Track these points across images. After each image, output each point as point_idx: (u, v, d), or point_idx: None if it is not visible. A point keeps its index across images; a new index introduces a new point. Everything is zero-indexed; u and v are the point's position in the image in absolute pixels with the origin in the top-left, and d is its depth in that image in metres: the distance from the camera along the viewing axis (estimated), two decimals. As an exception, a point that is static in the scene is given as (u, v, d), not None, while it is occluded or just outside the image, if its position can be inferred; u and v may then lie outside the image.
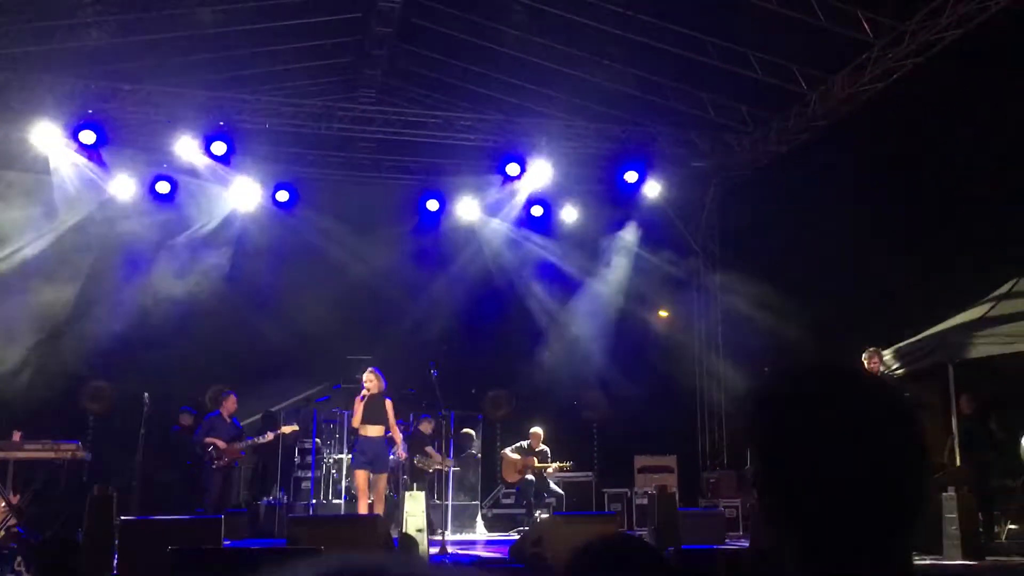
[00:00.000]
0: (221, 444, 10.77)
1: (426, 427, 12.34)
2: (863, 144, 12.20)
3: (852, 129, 12.12)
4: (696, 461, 14.30)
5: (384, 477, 10.08)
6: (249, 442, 11.21)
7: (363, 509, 9.72)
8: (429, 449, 11.98)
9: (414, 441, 12.04)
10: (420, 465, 11.89)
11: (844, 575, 1.07)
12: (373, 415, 9.86)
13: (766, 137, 13.18)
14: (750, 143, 13.49)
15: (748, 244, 13.03)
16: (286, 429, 11.52)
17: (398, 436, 10.21)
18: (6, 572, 6.20)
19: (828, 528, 1.08)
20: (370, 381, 9.90)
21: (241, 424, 11.40)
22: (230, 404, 11.07)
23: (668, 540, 7.93)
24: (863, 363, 9.79)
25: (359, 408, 9.86)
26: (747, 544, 9.30)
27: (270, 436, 11.30)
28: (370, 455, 9.85)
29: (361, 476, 9.86)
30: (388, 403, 9.96)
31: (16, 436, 10.27)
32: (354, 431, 10.13)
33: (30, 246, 12.38)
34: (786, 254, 12.09)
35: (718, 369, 14.57)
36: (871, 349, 9.71)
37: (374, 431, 9.86)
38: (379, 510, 9.71)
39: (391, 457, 12.01)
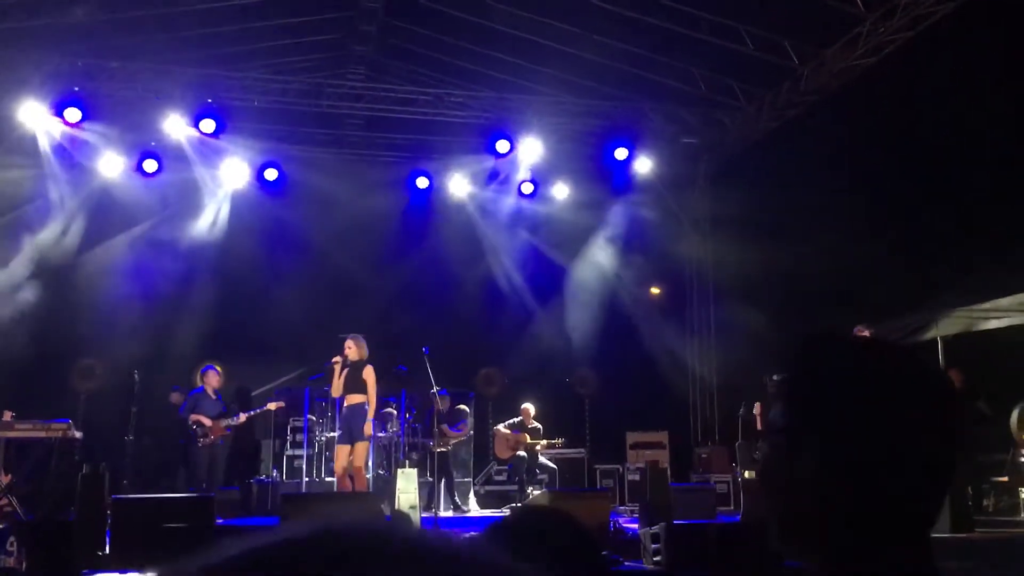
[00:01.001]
0: (206, 421, 10.73)
1: (443, 404, 12.31)
2: (855, 119, 12.17)
3: (844, 104, 12.09)
4: (688, 437, 14.37)
5: (364, 445, 9.52)
6: (240, 418, 11.11)
7: (346, 486, 9.40)
8: (443, 427, 11.98)
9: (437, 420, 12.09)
10: (436, 446, 11.90)
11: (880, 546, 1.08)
12: (352, 383, 9.52)
13: (758, 112, 13.14)
14: (741, 118, 13.44)
15: (740, 220, 13.01)
16: (271, 405, 11.46)
17: (373, 404, 9.63)
18: (-1, 552, 6.20)
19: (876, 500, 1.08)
20: (349, 348, 9.58)
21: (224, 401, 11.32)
22: (211, 379, 10.96)
23: (660, 515, 7.97)
24: (854, 339, 9.82)
25: (338, 376, 9.55)
26: (738, 518, 9.36)
27: (243, 418, 11.14)
28: (348, 425, 9.53)
29: (339, 452, 9.56)
30: (369, 370, 9.55)
31: (7, 416, 10.25)
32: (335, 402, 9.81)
33: (19, 225, 12.30)
34: (778, 229, 12.09)
35: (710, 345, 14.62)
36: (861, 325, 9.73)
37: (352, 399, 9.51)
38: (360, 481, 9.40)
39: (383, 434, 12.05)
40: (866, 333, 9.72)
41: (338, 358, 9.61)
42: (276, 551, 0.52)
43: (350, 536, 0.52)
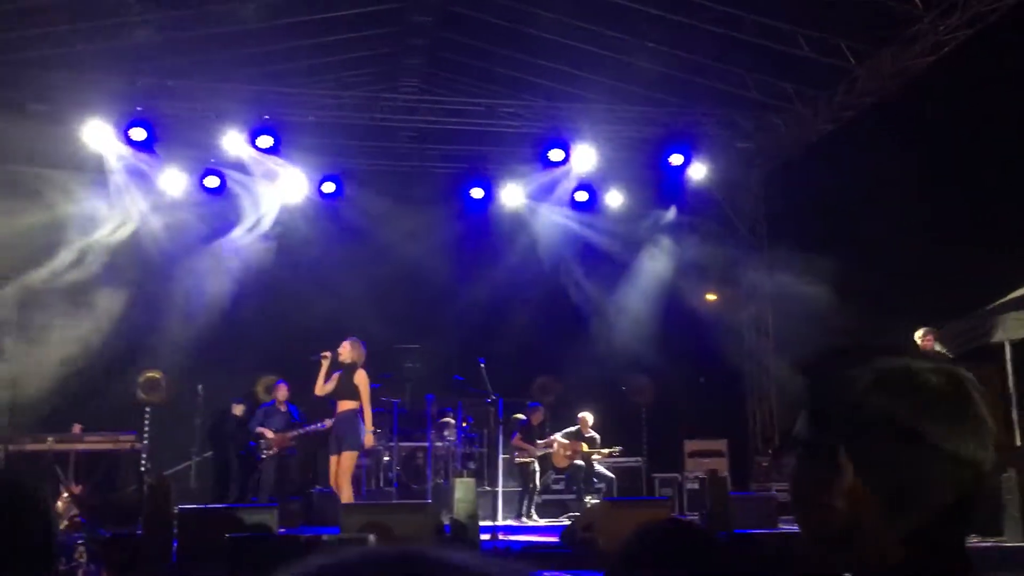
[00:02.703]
0: (269, 434, 10.94)
1: (537, 417, 12.36)
2: (913, 119, 11.92)
3: (902, 105, 11.85)
4: (747, 445, 14.18)
5: (350, 456, 9.14)
6: (306, 430, 11.24)
7: (346, 498, 8.99)
8: (519, 441, 12.04)
9: (525, 432, 12.15)
10: (521, 460, 11.99)
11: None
12: (344, 389, 9.22)
13: (813, 115, 12.95)
14: (796, 122, 13.27)
15: (796, 224, 12.83)
16: (328, 422, 11.58)
17: (368, 411, 9.25)
18: (67, 563, 6.37)
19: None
20: (343, 349, 9.26)
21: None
22: (280, 393, 11.22)
23: (720, 525, 7.88)
24: (916, 343, 9.62)
25: (322, 375, 9.27)
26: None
27: (328, 423, 11.29)
28: (336, 433, 9.23)
29: (332, 462, 9.20)
30: (361, 374, 9.22)
31: (76, 428, 10.55)
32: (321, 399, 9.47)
33: (85, 243, 12.64)
34: (835, 233, 11.89)
35: (768, 351, 14.42)
36: (924, 329, 9.53)
37: (343, 406, 9.23)
38: (346, 493, 9.06)
39: (440, 443, 12.11)
40: (930, 338, 9.53)
41: (327, 353, 9.32)
42: (364, 567, 0.53)
43: (438, 563, 0.53)
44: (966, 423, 1.08)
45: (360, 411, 9.24)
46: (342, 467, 9.08)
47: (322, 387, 9.34)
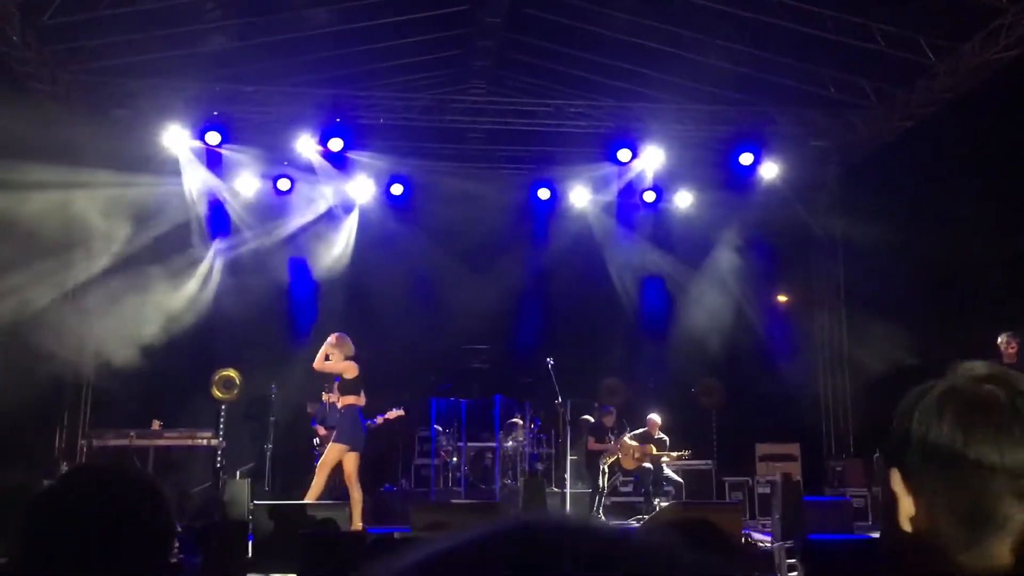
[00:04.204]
0: (322, 431, 11.13)
1: (608, 419, 12.35)
2: (996, 116, 11.53)
3: (984, 101, 11.47)
4: (820, 448, 13.89)
5: (353, 457, 9.10)
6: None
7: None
8: (594, 444, 12.04)
9: (597, 434, 12.16)
10: (608, 458, 12.01)
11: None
12: (344, 385, 9.32)
13: (890, 112, 12.63)
14: (873, 119, 12.95)
15: (872, 223, 12.51)
16: (391, 414, 11.67)
17: (345, 399, 9.28)
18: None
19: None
20: (331, 346, 9.33)
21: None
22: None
23: (793, 530, 7.74)
24: (999, 348, 9.34)
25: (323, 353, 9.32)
26: (878, 534, 8.99)
27: (380, 420, 11.43)
28: (338, 430, 9.30)
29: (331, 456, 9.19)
30: (348, 365, 9.24)
31: (155, 425, 10.85)
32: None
33: (161, 246, 12.98)
34: (914, 234, 11.55)
35: (843, 353, 14.11)
36: (1007, 334, 9.24)
37: (344, 401, 9.32)
38: (356, 494, 8.99)
39: (509, 444, 12.12)
40: (1013, 344, 9.22)
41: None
42: (474, 549, 0.53)
43: (546, 529, 0.53)
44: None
45: (360, 408, 9.24)
46: (346, 469, 9.01)
47: (321, 362, 9.34)
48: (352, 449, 9.04)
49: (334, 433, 9.38)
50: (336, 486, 9.45)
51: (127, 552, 1.46)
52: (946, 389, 1.11)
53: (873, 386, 11.85)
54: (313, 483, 9.03)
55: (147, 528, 1.50)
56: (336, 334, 9.47)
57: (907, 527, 1.11)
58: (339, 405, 9.42)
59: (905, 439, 1.12)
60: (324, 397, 11.36)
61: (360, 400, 9.27)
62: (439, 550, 0.54)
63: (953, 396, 1.10)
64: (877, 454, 9.75)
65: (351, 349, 9.36)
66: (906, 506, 1.10)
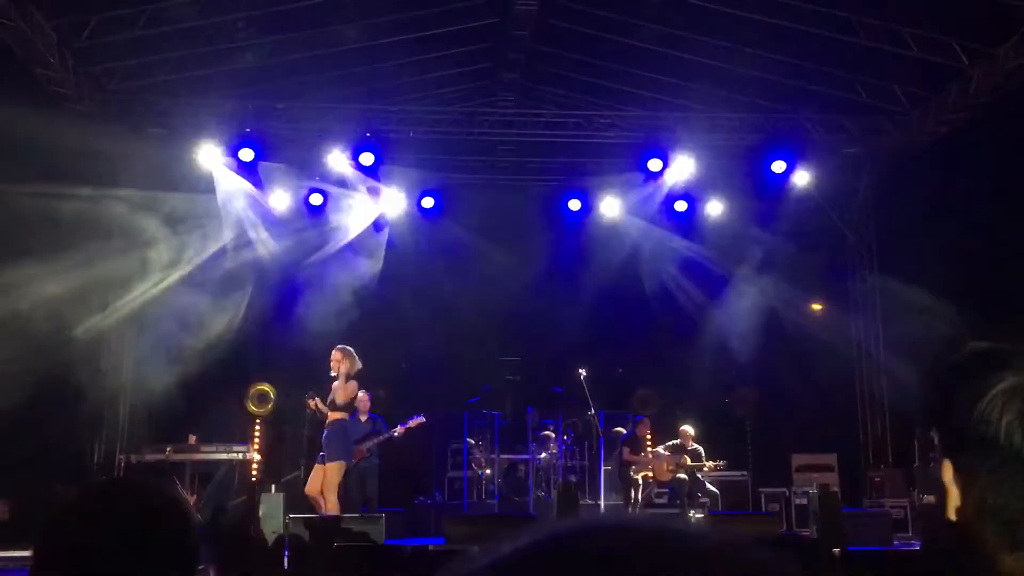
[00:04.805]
0: None
1: (642, 429, 12.28)
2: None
3: (1020, 105, 11.30)
4: (858, 459, 13.69)
5: (334, 468, 9.08)
6: (376, 440, 11.31)
7: (330, 508, 8.93)
8: (629, 456, 11.98)
9: (632, 445, 12.10)
10: (639, 472, 11.94)
11: None
12: (334, 399, 9.24)
13: (924, 118, 12.48)
14: (906, 125, 12.81)
15: (908, 230, 12.36)
16: (412, 423, 11.59)
17: (332, 415, 9.25)
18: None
19: None
20: (334, 359, 9.23)
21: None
22: (359, 403, 11.31)
23: (833, 541, 7.63)
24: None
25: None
26: (918, 546, 8.84)
27: (400, 430, 11.36)
28: (325, 443, 9.23)
29: (317, 472, 9.12)
30: (351, 385, 9.22)
31: (191, 439, 10.95)
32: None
33: (196, 262, 13.12)
34: (951, 239, 11.39)
35: (879, 362, 13.92)
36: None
37: (330, 416, 9.26)
38: (332, 503, 8.99)
39: (542, 455, 12.07)
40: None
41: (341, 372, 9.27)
42: (553, 546, 0.52)
43: (624, 528, 0.53)
44: None
45: (347, 423, 9.24)
46: (328, 479, 8.98)
47: (346, 396, 9.28)
48: (345, 460, 9.10)
49: (324, 453, 9.18)
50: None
51: (149, 570, 1.45)
52: (1012, 386, 1.07)
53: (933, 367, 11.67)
54: (328, 507, 8.99)
55: (170, 544, 1.49)
56: (341, 348, 9.36)
57: (953, 517, 1.09)
58: (328, 419, 9.28)
59: (962, 432, 1.09)
60: (310, 405, 11.20)
61: (347, 415, 9.22)
62: (526, 545, 0.53)
63: (1019, 395, 1.06)
64: (916, 464, 9.62)
65: (357, 364, 9.32)
66: (955, 497, 1.08)
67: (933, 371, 1.17)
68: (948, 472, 1.10)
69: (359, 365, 9.38)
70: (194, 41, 11.26)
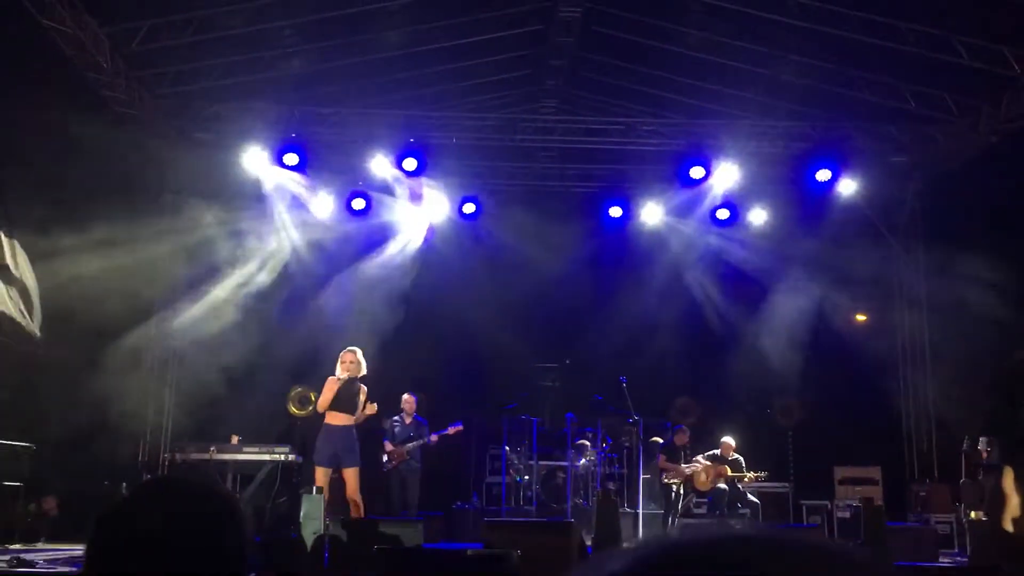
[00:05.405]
0: (388, 447, 11.21)
1: (681, 438, 12.21)
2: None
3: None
4: (902, 472, 13.44)
5: (354, 472, 8.88)
6: (416, 444, 11.37)
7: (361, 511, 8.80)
8: (664, 463, 11.92)
9: (670, 453, 12.05)
10: (669, 480, 11.88)
11: None
12: (345, 402, 8.93)
13: (974, 127, 12.26)
14: (956, 134, 12.59)
15: (955, 242, 12.14)
16: (451, 430, 11.66)
17: (358, 419, 9.03)
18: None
19: None
20: (352, 362, 8.95)
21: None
22: (405, 405, 11.47)
23: (877, 556, 7.50)
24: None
25: (331, 390, 8.89)
26: (966, 561, 8.67)
27: (435, 438, 11.44)
28: (335, 448, 8.87)
29: (320, 474, 8.81)
30: (363, 389, 9.05)
31: (234, 440, 11.08)
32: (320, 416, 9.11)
33: (241, 265, 13.29)
34: (999, 251, 11.18)
35: (925, 374, 13.68)
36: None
37: (342, 420, 8.91)
38: (357, 508, 8.80)
39: (580, 463, 12.03)
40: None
41: (343, 375, 9.00)
42: (689, 550, 0.53)
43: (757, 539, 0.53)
44: None
45: (355, 427, 9.05)
46: (350, 485, 8.84)
47: (326, 405, 9.00)
48: (356, 466, 8.95)
49: (338, 458, 8.90)
50: (336, 500, 9.31)
51: (200, 567, 1.46)
52: None
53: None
54: (361, 510, 8.92)
55: (221, 543, 1.49)
56: (351, 350, 9.15)
57: (1008, 527, 1.07)
58: (336, 423, 9.00)
59: None
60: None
61: (354, 419, 9.05)
62: (667, 544, 0.54)
63: None
64: (963, 479, 9.43)
65: (363, 367, 9.14)
66: (1013, 506, 1.06)
67: (996, 378, 1.16)
68: (1009, 479, 1.08)
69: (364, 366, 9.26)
70: (242, 48, 11.43)
